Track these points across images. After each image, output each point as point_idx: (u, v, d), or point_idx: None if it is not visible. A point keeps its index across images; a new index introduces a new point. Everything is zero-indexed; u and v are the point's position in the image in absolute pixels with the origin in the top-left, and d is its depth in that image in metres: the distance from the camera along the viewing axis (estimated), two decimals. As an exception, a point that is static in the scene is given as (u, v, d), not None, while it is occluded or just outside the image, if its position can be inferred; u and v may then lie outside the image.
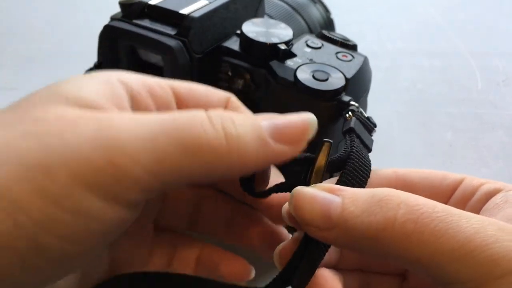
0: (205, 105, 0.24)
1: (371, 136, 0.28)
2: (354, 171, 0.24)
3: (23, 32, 0.62)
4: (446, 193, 0.25)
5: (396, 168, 0.26)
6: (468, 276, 0.18)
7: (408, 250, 0.19)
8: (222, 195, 0.28)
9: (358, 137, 0.26)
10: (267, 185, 0.25)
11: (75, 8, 0.69)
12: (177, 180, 0.19)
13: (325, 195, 0.21)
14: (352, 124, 0.26)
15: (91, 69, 0.43)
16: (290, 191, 0.22)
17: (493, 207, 0.22)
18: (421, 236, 0.19)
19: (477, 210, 0.23)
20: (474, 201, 0.24)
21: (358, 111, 0.28)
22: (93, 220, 0.18)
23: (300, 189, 0.21)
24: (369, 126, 0.28)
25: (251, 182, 0.24)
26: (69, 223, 0.17)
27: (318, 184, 0.22)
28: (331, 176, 0.26)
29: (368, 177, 0.25)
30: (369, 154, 0.27)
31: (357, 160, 0.24)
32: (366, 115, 0.29)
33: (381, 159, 0.44)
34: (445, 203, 0.24)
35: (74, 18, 0.66)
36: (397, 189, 0.24)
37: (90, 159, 0.17)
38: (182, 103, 0.24)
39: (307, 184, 0.23)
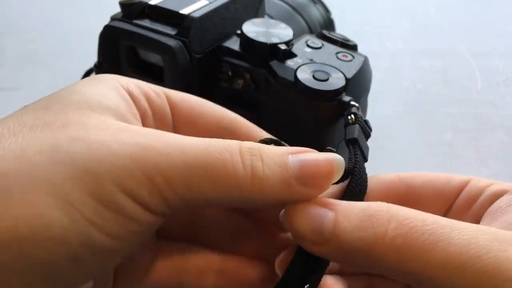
0: (199, 116, 0.26)
1: (367, 141, 0.28)
2: (356, 187, 0.24)
3: (23, 32, 0.62)
4: (450, 196, 0.24)
5: (400, 173, 0.25)
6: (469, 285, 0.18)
7: (400, 265, 0.19)
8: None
9: (360, 148, 0.26)
10: None
11: (75, 8, 0.69)
12: (200, 204, 0.22)
13: (318, 210, 0.21)
14: (356, 134, 0.26)
15: (91, 70, 0.43)
16: None
17: (496, 210, 0.22)
18: (411, 250, 0.19)
19: (481, 213, 0.23)
20: (479, 203, 0.23)
21: (359, 115, 0.28)
22: (132, 221, 0.20)
23: (293, 205, 0.22)
24: (367, 131, 0.27)
25: None
26: (115, 222, 0.19)
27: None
28: None
29: (365, 190, 0.25)
30: (369, 154, 0.27)
31: (359, 176, 0.24)
32: (364, 118, 0.28)
33: (381, 159, 0.44)
34: (450, 206, 0.24)
35: (75, 18, 0.66)
36: (400, 194, 0.24)
37: (132, 172, 0.19)
38: (176, 111, 0.26)
39: None
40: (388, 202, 0.24)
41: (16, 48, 0.59)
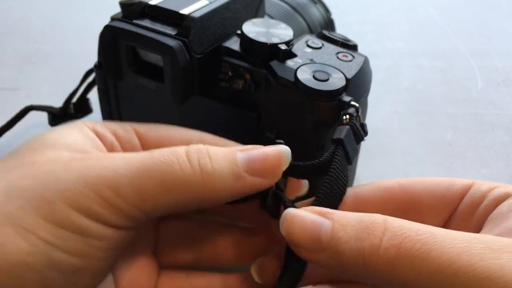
0: (168, 141, 0.27)
1: (359, 145, 0.28)
2: (332, 187, 0.24)
3: (23, 32, 0.62)
4: (453, 202, 0.24)
5: (400, 179, 0.25)
6: None
7: (394, 275, 0.19)
8: (222, 227, 0.29)
9: (344, 148, 0.26)
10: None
11: (75, 8, 0.69)
12: (157, 210, 0.22)
13: (315, 217, 0.21)
14: (342, 135, 0.26)
15: (91, 70, 0.43)
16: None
17: (497, 216, 0.22)
18: (405, 260, 0.19)
19: (485, 218, 0.23)
20: (482, 208, 0.23)
21: (354, 117, 0.28)
22: (91, 237, 0.21)
23: (290, 211, 0.22)
24: (360, 135, 0.27)
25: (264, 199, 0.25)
26: (73, 240, 0.21)
27: (309, 207, 0.22)
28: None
29: (344, 193, 0.25)
30: (369, 154, 0.27)
31: (335, 177, 0.25)
32: (362, 121, 0.28)
33: (381, 159, 0.44)
34: (453, 211, 0.24)
35: (75, 18, 0.66)
36: (400, 201, 0.25)
37: (80, 191, 0.21)
38: (144, 140, 0.28)
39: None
40: (388, 208, 0.24)
41: (16, 48, 0.59)
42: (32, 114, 0.44)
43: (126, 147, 0.27)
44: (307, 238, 0.21)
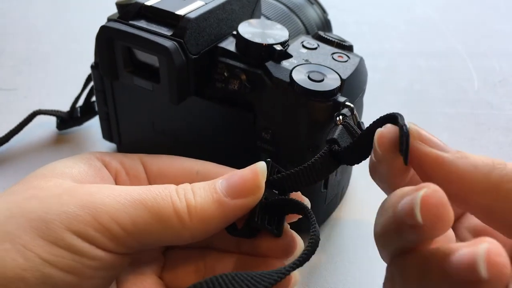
0: (170, 168, 0.30)
1: None
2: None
3: (21, 32, 0.63)
4: None
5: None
6: None
7: None
8: (228, 254, 0.29)
9: (338, 146, 0.26)
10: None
11: (73, 9, 0.69)
12: (149, 240, 0.24)
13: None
14: (335, 135, 0.26)
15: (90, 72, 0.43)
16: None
17: None
18: None
19: None
20: None
21: (348, 117, 0.28)
22: (85, 257, 0.22)
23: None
24: (357, 133, 0.27)
25: (233, 224, 0.26)
26: (67, 258, 0.22)
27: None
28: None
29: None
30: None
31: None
32: (358, 120, 0.28)
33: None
34: None
35: (73, 19, 0.66)
36: None
37: (78, 215, 0.23)
38: (148, 168, 0.30)
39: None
40: None
41: (14, 49, 0.59)
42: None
43: (131, 174, 0.30)
44: (424, 155, 0.22)
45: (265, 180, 0.25)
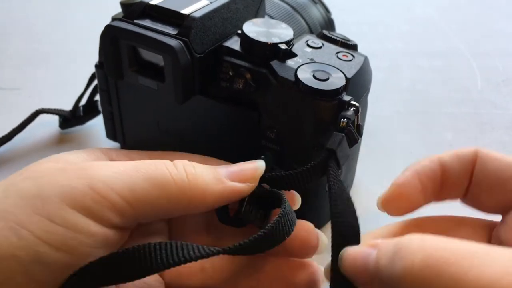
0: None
1: (351, 147, 0.28)
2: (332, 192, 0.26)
3: (24, 32, 0.63)
4: None
5: (479, 149, 0.26)
6: None
7: None
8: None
9: (336, 158, 0.27)
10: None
11: (76, 8, 0.69)
12: (148, 209, 0.24)
13: (364, 250, 0.22)
14: (336, 145, 0.27)
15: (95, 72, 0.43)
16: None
17: None
18: (440, 280, 0.18)
19: None
20: None
21: (352, 121, 0.28)
22: (81, 233, 0.22)
23: (346, 249, 0.23)
24: (354, 139, 0.28)
25: (226, 211, 0.28)
26: (62, 235, 0.21)
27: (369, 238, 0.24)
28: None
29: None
30: (369, 154, 0.28)
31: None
32: (358, 122, 0.29)
33: (381, 159, 0.44)
34: None
35: (76, 18, 0.66)
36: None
37: (74, 186, 0.22)
38: None
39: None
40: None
41: (17, 48, 0.59)
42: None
43: None
44: (359, 271, 0.22)
45: (261, 175, 0.27)
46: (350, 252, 0.23)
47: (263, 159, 0.28)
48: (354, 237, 0.24)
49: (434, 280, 0.18)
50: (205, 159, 0.30)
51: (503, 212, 0.26)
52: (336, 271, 0.23)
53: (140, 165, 0.24)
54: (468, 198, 0.27)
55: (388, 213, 0.27)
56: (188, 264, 0.28)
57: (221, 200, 0.26)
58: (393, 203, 0.27)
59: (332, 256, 0.23)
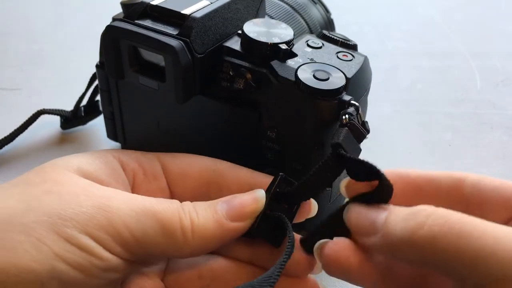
0: (188, 167, 0.31)
1: (360, 143, 0.28)
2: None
3: (25, 32, 0.63)
4: None
5: (470, 174, 0.26)
6: (496, 272, 0.19)
7: (438, 252, 0.20)
8: (235, 263, 0.29)
9: (344, 150, 0.27)
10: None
11: (77, 8, 0.69)
12: (154, 250, 0.25)
13: (375, 208, 0.24)
14: (340, 139, 0.27)
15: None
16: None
17: None
18: (447, 237, 0.20)
19: None
20: None
21: (354, 116, 0.28)
22: (94, 256, 0.23)
23: (354, 205, 0.25)
24: (362, 133, 0.28)
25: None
26: (77, 255, 0.23)
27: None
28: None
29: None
30: (369, 154, 0.28)
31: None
32: (362, 119, 0.29)
33: (381, 159, 0.44)
34: None
35: (76, 18, 0.66)
36: (466, 194, 0.25)
37: (94, 217, 0.24)
38: (167, 167, 0.31)
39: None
40: (453, 201, 0.25)
41: (18, 49, 0.59)
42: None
43: (149, 174, 0.31)
44: (366, 223, 0.24)
45: (261, 207, 0.27)
46: (359, 206, 0.25)
47: (277, 174, 0.29)
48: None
49: (442, 234, 0.20)
50: (217, 164, 0.31)
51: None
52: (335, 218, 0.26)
53: (156, 208, 0.26)
54: None
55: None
56: (186, 271, 0.29)
57: (222, 241, 0.27)
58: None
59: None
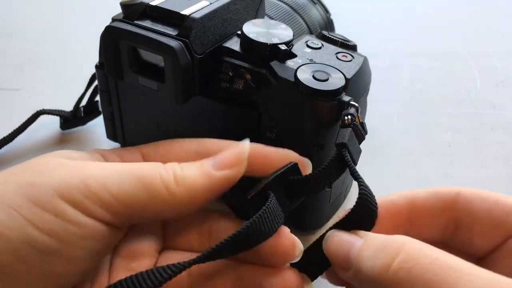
0: (169, 153, 0.30)
1: (360, 144, 0.28)
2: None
3: (25, 33, 0.63)
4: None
5: (461, 188, 0.25)
6: None
7: None
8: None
9: (349, 152, 0.27)
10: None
11: (76, 9, 0.69)
12: (138, 210, 0.25)
13: (350, 237, 0.23)
14: (346, 139, 0.27)
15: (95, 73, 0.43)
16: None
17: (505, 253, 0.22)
18: (413, 285, 0.19)
19: None
20: None
21: (356, 117, 0.28)
22: (70, 223, 0.23)
23: (332, 232, 0.24)
24: (361, 134, 0.28)
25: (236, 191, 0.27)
26: (51, 222, 0.23)
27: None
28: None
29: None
30: (369, 154, 0.28)
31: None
32: (361, 121, 0.29)
33: (381, 159, 0.45)
34: (508, 238, 0.23)
35: (76, 18, 0.66)
36: (454, 214, 0.24)
37: (68, 181, 0.24)
38: (148, 156, 0.30)
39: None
40: (441, 222, 0.25)
41: (18, 49, 0.59)
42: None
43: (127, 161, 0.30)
44: (340, 255, 0.23)
45: (246, 154, 0.27)
46: (337, 235, 0.23)
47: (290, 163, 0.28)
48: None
49: (407, 282, 0.19)
50: (200, 143, 0.30)
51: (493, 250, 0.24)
52: (317, 246, 0.25)
53: (134, 167, 0.25)
54: (457, 242, 0.25)
55: None
56: (185, 228, 0.29)
57: (212, 193, 0.26)
58: None
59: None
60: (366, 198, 0.24)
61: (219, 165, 0.26)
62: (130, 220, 0.26)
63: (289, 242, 0.26)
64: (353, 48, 0.35)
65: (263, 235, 0.25)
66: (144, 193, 0.24)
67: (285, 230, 0.27)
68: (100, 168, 0.25)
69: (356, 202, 0.24)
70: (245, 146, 0.27)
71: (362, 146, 0.35)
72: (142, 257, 0.28)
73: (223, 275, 0.27)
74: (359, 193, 0.24)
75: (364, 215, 0.24)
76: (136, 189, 0.24)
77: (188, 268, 0.23)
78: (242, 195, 0.27)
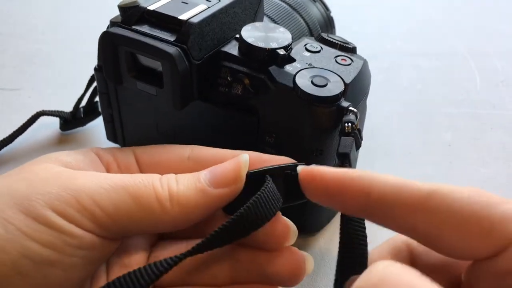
0: (161, 157, 0.30)
1: (357, 150, 0.28)
2: None
3: (25, 33, 0.63)
4: None
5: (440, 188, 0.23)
6: None
7: None
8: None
9: (349, 163, 0.26)
10: None
11: (76, 9, 0.69)
12: (131, 225, 0.25)
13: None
14: (349, 149, 0.26)
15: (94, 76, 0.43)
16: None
17: None
18: None
19: None
20: None
21: (356, 123, 0.28)
22: (65, 234, 0.23)
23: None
24: (359, 142, 0.28)
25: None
26: (47, 233, 0.23)
27: None
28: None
29: None
30: (369, 154, 0.28)
31: None
32: (358, 127, 0.28)
33: (381, 159, 0.45)
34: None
35: (76, 18, 0.66)
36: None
37: (61, 195, 0.24)
38: (140, 159, 0.31)
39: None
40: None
41: (17, 49, 0.59)
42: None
43: (122, 166, 0.31)
44: None
45: (245, 171, 0.26)
46: None
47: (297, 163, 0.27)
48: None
49: None
50: (193, 149, 0.30)
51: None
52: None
53: (128, 182, 0.25)
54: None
55: None
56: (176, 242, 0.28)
57: (208, 211, 0.26)
58: None
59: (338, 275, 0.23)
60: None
61: (216, 181, 0.26)
62: (123, 234, 0.26)
63: (283, 225, 0.26)
64: (352, 50, 0.34)
65: (262, 219, 0.24)
66: (137, 210, 0.24)
67: (277, 214, 0.26)
68: (93, 181, 0.25)
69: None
70: (244, 161, 0.27)
71: (362, 145, 0.35)
72: (136, 251, 0.28)
73: (220, 259, 0.27)
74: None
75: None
76: (129, 206, 0.24)
77: (183, 260, 0.23)
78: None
